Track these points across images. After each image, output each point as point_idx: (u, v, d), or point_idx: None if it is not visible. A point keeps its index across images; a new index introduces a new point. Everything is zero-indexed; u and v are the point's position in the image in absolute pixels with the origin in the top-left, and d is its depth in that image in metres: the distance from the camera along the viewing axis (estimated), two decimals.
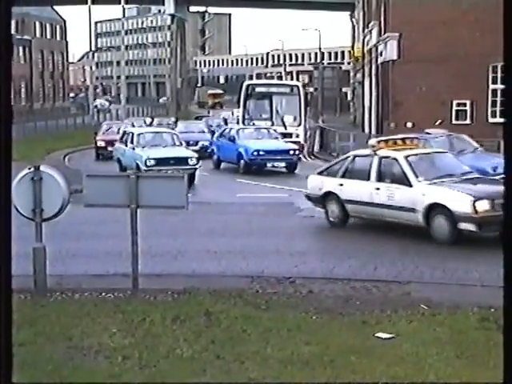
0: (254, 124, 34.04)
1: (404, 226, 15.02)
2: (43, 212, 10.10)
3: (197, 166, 24.49)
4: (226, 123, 42.47)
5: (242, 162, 28.33)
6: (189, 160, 24.32)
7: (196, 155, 25.17)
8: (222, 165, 30.58)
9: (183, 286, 10.58)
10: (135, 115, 68.95)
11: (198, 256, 13.30)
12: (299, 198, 21.46)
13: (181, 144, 26.31)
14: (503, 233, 3.98)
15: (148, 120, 46.26)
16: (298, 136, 34.77)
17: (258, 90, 37.46)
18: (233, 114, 59.90)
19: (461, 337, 8.31)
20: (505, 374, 4.00)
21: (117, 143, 28.33)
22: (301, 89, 37.49)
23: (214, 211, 19.50)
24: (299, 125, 35.87)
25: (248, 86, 37.78)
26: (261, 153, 28.03)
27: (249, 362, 7.46)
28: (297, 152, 28.84)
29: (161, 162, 23.70)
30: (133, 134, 26.57)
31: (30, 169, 10.05)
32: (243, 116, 36.17)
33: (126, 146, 26.25)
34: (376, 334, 8.42)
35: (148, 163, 23.83)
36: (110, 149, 32.50)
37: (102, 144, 35.35)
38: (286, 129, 34.66)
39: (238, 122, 36.92)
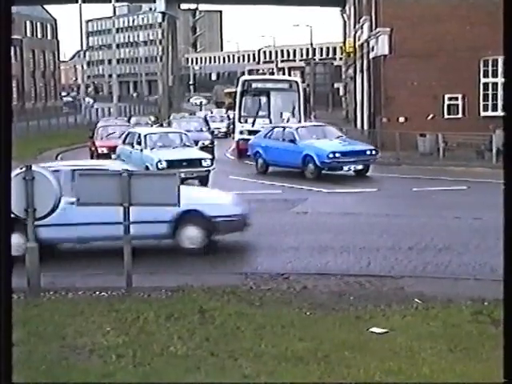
0: (253, 122, 32.85)
1: None
2: (36, 211, 10.08)
3: (211, 168, 22.99)
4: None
5: (310, 165, 24.73)
6: (202, 161, 22.88)
7: (210, 156, 23.89)
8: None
9: (177, 283, 10.59)
10: (127, 114, 68.85)
11: (192, 254, 13.27)
12: (292, 194, 21.50)
13: (191, 145, 24.74)
14: (504, 230, 3.97)
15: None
16: None
17: (254, 86, 35.70)
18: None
19: (454, 330, 8.33)
20: (505, 373, 4.00)
21: (120, 145, 26.05)
22: (300, 85, 35.73)
23: None
24: (298, 122, 33.21)
25: (244, 81, 36.11)
26: (337, 155, 24.43)
27: (243, 358, 7.47)
28: (373, 152, 25.58)
29: (173, 164, 21.91)
30: (139, 134, 24.56)
31: (22, 168, 10.03)
32: (239, 113, 34.70)
33: (132, 147, 24.34)
34: (370, 329, 8.44)
35: (159, 166, 22.14)
36: (113, 156, 29.07)
37: (105, 151, 30.60)
38: None
39: (233, 120, 35.14)
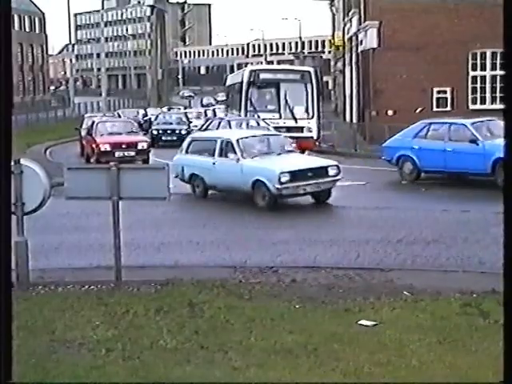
0: (259, 117, 29.84)
1: None
2: (24, 206, 10.06)
3: (338, 177, 18.23)
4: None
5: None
6: (329, 170, 18.11)
7: (336, 163, 18.73)
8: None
9: (166, 277, 10.59)
10: (116, 108, 68.73)
11: (181, 247, 13.30)
12: None
13: (296, 149, 20.04)
14: (504, 230, 3.97)
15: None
16: (310, 130, 30.57)
17: (262, 76, 31.92)
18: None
19: (443, 322, 8.37)
20: (505, 373, 4.02)
21: (180, 155, 20.63)
22: (313, 75, 32.04)
23: (196, 202, 19.47)
24: (311, 117, 31.22)
25: (251, 72, 32.26)
26: None
27: (232, 351, 7.48)
28: None
29: (297, 175, 17.51)
30: (228, 140, 19.01)
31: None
32: (245, 107, 31.22)
33: (211, 156, 19.27)
34: (359, 322, 8.47)
35: (283, 179, 17.21)
36: (117, 154, 27.17)
37: (107, 148, 27.79)
38: (296, 122, 30.55)
39: (239, 115, 31.51)
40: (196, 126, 43.04)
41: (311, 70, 33.83)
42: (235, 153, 18.59)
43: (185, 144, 20.85)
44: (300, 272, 11.14)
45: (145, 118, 46.66)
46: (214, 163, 19.15)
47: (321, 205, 18.01)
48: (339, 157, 29.87)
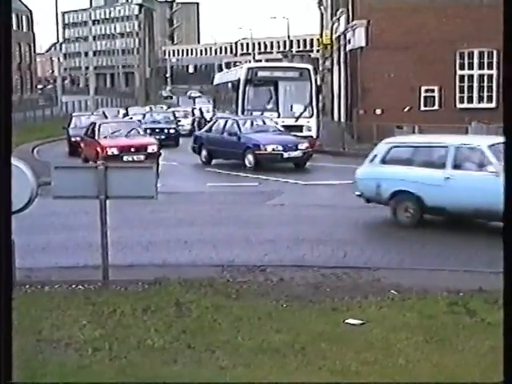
0: (262, 114, 29.40)
1: None
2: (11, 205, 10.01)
3: None
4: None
5: None
6: None
7: None
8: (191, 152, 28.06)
9: (154, 276, 10.56)
10: (104, 106, 68.59)
11: (169, 246, 13.28)
12: (268, 187, 21.54)
13: None
14: (503, 231, 3.97)
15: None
16: (309, 129, 30.26)
17: (260, 74, 31.55)
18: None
19: (430, 321, 8.38)
20: (505, 373, 4.02)
21: (372, 166, 15.94)
22: (312, 73, 31.91)
23: (184, 201, 19.46)
24: (311, 116, 31.07)
25: (249, 69, 31.83)
26: None
27: (220, 350, 7.47)
28: None
29: None
30: (475, 148, 14.40)
31: None
32: (243, 106, 30.77)
33: (456, 168, 14.36)
34: (346, 321, 8.47)
35: None
36: (125, 158, 25.35)
37: (115, 151, 25.69)
38: (296, 120, 30.42)
39: (236, 114, 30.76)
40: (183, 125, 43.04)
41: (310, 67, 33.23)
42: (489, 164, 13.83)
43: (379, 151, 15.86)
44: (287, 271, 11.11)
45: (125, 118, 46.36)
46: (446, 178, 14.39)
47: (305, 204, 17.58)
48: (327, 156, 29.98)
